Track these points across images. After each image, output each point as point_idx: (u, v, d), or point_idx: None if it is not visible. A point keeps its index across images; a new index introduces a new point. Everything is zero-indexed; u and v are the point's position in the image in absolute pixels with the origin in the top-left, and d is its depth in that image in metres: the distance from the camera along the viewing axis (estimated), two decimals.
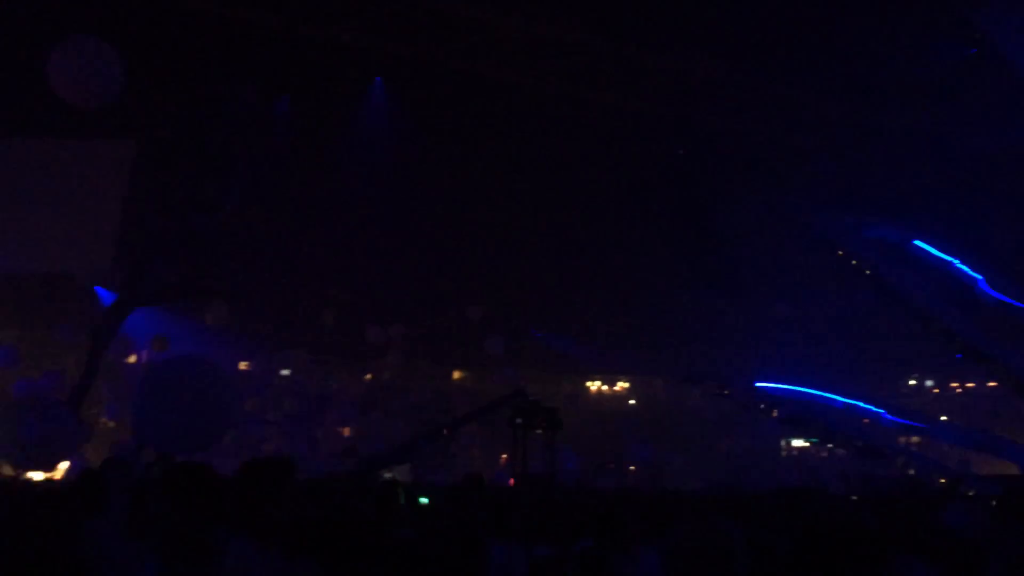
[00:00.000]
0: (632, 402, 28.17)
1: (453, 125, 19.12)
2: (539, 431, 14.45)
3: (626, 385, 28.14)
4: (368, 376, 23.67)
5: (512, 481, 14.43)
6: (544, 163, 20.48)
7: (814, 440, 23.65)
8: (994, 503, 7.21)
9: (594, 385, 27.80)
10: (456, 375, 26.42)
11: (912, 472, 18.27)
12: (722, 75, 17.76)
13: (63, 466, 13.51)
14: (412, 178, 20.73)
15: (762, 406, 21.60)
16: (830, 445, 22.14)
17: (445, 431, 18.08)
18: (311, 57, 16.58)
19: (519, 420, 14.35)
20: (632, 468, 23.20)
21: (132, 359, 20.24)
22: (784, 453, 26.09)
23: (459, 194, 21.38)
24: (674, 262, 22.15)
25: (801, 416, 21.11)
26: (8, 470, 13.42)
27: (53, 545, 2.76)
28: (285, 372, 21.66)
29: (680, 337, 23.52)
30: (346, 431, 21.79)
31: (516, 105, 18.37)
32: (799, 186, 19.90)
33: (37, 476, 12.07)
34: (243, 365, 21.25)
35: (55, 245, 18.55)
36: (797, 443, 25.84)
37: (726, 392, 22.43)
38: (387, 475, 15.90)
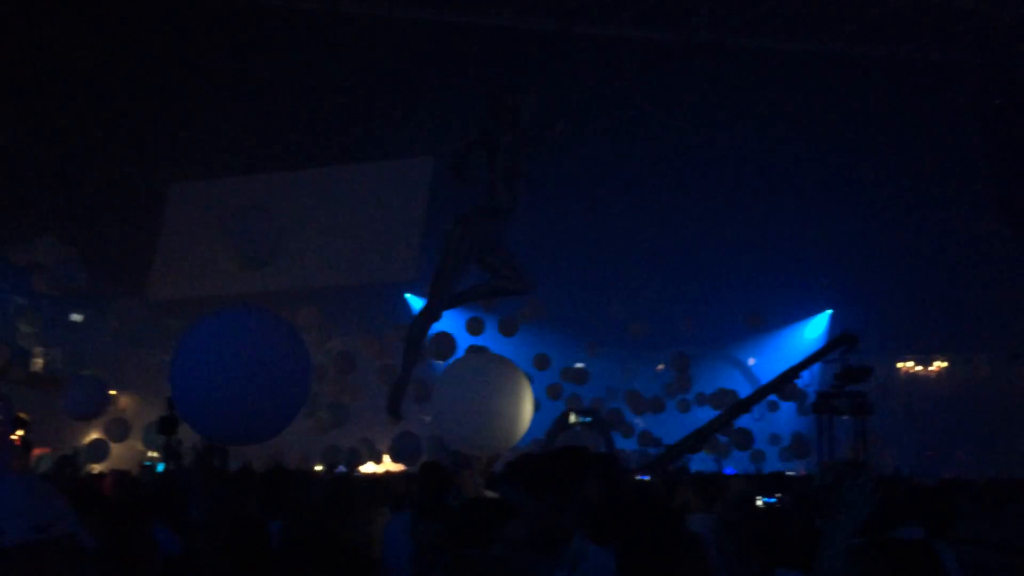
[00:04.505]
0: (950, 384, 25.79)
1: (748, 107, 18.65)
2: (846, 416, 13.76)
3: (943, 365, 25.79)
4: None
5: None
6: (841, 132, 19.36)
7: None
8: None
9: (905, 366, 25.79)
10: None
11: None
12: None
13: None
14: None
15: None
16: None
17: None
18: (586, 56, 16.91)
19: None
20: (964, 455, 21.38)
21: None
22: None
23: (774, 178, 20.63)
24: (996, 225, 20.00)
25: None
26: None
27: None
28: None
29: (1008, 309, 21.07)
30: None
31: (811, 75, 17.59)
32: None
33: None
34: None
35: (368, 258, 20.47)
36: None
37: None
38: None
